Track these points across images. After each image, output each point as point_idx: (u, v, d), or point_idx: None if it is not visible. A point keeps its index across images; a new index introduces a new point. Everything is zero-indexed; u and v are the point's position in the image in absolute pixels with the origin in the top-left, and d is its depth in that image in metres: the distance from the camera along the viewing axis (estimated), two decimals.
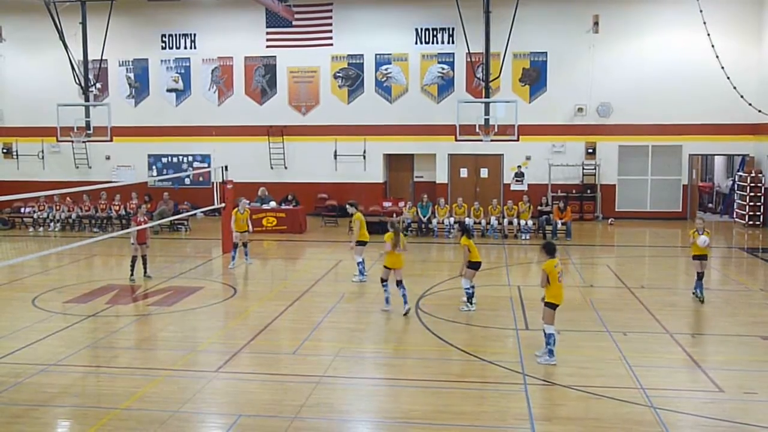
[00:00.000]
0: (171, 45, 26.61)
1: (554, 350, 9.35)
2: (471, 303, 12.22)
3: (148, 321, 12.00)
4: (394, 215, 22.16)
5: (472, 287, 12.22)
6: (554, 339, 9.35)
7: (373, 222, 19.54)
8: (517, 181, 25.19)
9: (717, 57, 21.81)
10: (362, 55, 25.61)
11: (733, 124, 23.78)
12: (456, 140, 24.02)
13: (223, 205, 18.37)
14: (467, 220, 20.98)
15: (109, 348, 10.36)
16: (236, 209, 16.67)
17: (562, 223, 20.77)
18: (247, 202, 18.09)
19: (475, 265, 12.16)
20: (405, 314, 11.76)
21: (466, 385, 8.71)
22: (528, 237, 20.89)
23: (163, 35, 26.60)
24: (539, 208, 21.48)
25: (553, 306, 9.32)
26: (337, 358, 9.68)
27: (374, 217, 20.59)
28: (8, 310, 12.81)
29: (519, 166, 25.18)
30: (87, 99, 24.59)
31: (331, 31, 25.62)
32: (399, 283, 11.96)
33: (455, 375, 9.10)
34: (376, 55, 25.54)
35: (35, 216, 23.36)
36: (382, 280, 12.15)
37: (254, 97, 26.35)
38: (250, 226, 16.87)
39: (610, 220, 24.19)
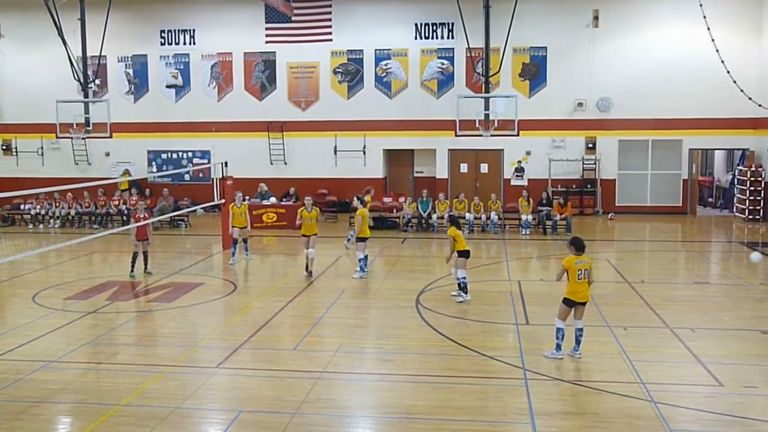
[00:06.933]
0: (170, 41, 26.55)
1: (561, 345, 9.37)
2: (465, 293, 12.28)
3: (149, 317, 12.01)
4: (394, 210, 22.20)
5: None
6: (563, 334, 9.35)
7: (374, 217, 19.56)
8: (517, 176, 25.17)
9: (717, 51, 21.75)
10: (362, 50, 25.56)
11: (733, 118, 23.76)
12: (456, 135, 24.05)
13: (222, 201, 18.35)
14: (467, 215, 21.10)
15: (110, 344, 10.36)
16: (233, 204, 16.63)
17: (562, 218, 20.77)
18: (246, 197, 18.05)
19: (464, 254, 12.42)
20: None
21: (466, 380, 8.72)
22: (528, 232, 20.90)
23: (162, 31, 26.55)
24: (539, 207, 21.46)
25: (567, 302, 9.30)
26: (337, 353, 9.68)
27: (374, 212, 20.57)
28: (8, 306, 12.83)
29: (519, 161, 25.17)
30: (86, 95, 24.55)
31: (330, 27, 25.57)
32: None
33: (456, 370, 9.11)
34: (375, 50, 25.49)
35: (34, 213, 23.38)
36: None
37: (254, 92, 26.31)
38: (249, 222, 16.78)
39: (610, 215, 24.18)
